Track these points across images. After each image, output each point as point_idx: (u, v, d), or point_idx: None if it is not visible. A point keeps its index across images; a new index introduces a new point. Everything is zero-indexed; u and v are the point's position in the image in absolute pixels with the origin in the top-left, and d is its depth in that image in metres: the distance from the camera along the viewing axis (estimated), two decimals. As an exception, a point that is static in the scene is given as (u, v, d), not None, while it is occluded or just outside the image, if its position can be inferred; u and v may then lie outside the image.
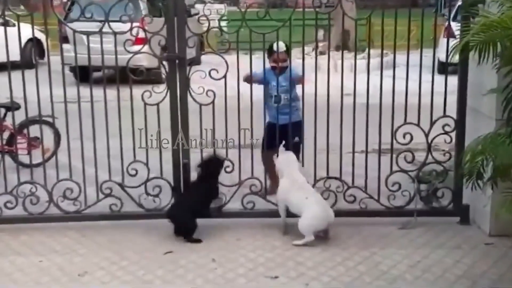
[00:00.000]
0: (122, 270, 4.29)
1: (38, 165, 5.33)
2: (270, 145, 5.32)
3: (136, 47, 4.86)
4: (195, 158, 5.04)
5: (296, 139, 5.20)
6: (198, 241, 4.70)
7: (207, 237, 4.78)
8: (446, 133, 4.96)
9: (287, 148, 5.07)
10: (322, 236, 4.72)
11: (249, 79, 5.19)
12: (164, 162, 5.05)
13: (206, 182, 4.91)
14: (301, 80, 5.20)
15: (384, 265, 4.32)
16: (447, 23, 5.19)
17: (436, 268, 4.27)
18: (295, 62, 5.55)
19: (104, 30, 4.78)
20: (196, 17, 5.19)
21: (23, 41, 5.16)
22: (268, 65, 5.44)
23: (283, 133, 5.16)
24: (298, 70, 5.38)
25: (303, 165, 5.05)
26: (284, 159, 4.95)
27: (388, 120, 4.98)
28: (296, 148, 5.16)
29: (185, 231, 4.73)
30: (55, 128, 6.04)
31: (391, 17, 4.82)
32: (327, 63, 5.02)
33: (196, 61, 5.20)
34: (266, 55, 5.43)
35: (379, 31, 5.07)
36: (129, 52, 4.77)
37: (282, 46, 5.35)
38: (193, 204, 4.81)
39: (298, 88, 5.35)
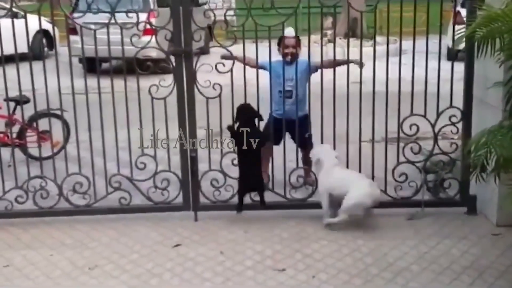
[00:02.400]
0: (132, 264, 4.34)
1: (48, 158, 5.38)
2: (276, 139, 5.26)
3: (145, 38, 4.86)
4: (202, 151, 5.07)
5: (307, 134, 5.24)
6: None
7: (215, 230, 4.82)
8: (452, 124, 4.96)
9: (295, 142, 5.10)
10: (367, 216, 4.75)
11: (228, 57, 5.05)
12: (172, 154, 5.08)
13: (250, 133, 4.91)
14: (318, 66, 5.14)
15: (391, 257, 4.35)
16: (456, 10, 5.14)
17: (443, 259, 4.29)
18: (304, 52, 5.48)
19: (112, 22, 4.79)
20: (204, 7, 5.17)
21: (32, 33, 5.18)
22: (274, 58, 5.27)
23: (290, 128, 5.17)
24: (306, 61, 5.25)
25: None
26: (322, 150, 4.98)
27: (396, 109, 4.97)
28: (305, 143, 5.16)
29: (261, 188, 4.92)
30: (64, 121, 6.07)
31: (399, 4, 4.81)
32: (333, 51, 5.01)
33: (205, 51, 5.18)
34: (277, 48, 5.37)
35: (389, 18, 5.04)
36: (136, 46, 4.80)
37: (291, 31, 5.30)
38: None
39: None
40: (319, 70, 5.12)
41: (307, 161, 5.24)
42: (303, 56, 5.37)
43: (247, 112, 4.97)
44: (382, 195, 4.94)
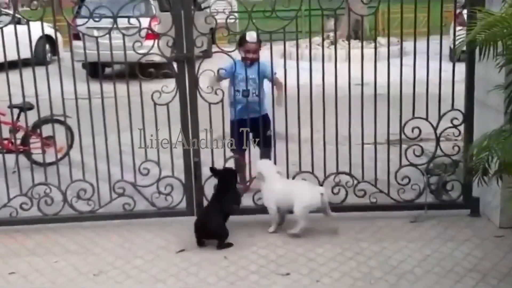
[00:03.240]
0: (136, 269, 4.36)
1: (52, 164, 5.40)
2: (240, 144, 5.36)
3: (147, 43, 4.88)
4: (205, 157, 5.10)
5: (268, 132, 5.37)
6: (230, 245, 4.66)
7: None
8: (454, 126, 4.97)
9: (259, 142, 5.29)
10: (325, 216, 4.76)
11: (217, 80, 5.28)
12: (175, 159, 5.10)
13: (226, 192, 4.88)
14: (273, 79, 5.27)
15: (394, 260, 4.36)
16: (457, 11, 5.15)
17: (446, 261, 4.30)
18: (265, 56, 5.44)
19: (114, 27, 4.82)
20: (206, 11, 5.19)
21: (36, 38, 5.20)
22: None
23: (252, 128, 5.26)
24: (268, 64, 5.33)
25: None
26: (263, 165, 5.00)
27: (397, 110, 4.99)
28: (268, 142, 5.27)
29: (219, 237, 4.65)
30: (67, 127, 6.11)
31: (398, 4, 4.83)
32: (335, 53, 5.02)
33: (207, 54, 5.20)
34: (238, 49, 5.40)
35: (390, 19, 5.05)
36: (137, 53, 4.83)
37: (253, 36, 5.35)
38: (221, 210, 4.76)
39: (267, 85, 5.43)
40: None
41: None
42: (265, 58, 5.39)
43: (226, 177, 4.95)
44: (384, 197, 4.93)
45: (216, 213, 4.73)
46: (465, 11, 4.94)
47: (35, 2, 4.86)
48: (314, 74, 4.93)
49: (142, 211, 5.18)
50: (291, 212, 4.78)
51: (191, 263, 4.41)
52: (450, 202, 5.11)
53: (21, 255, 4.64)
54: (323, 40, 5.49)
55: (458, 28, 5.09)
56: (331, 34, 11.77)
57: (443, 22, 5.30)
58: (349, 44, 5.07)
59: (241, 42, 5.43)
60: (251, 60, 5.41)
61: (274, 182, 4.88)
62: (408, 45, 5.04)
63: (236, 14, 7.46)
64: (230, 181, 4.93)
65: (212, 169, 4.96)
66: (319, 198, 4.66)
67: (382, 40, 5.09)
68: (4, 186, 5.11)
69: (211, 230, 4.66)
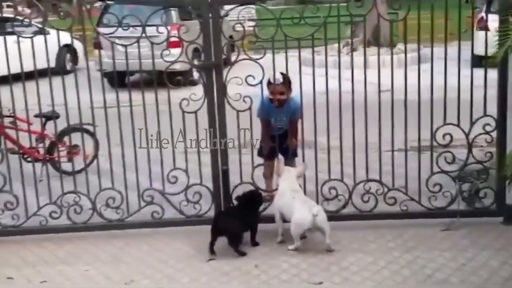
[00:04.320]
0: (167, 278, 4.34)
1: (78, 172, 5.40)
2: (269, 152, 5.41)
3: (172, 51, 4.86)
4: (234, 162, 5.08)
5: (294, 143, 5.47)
6: (243, 254, 4.63)
7: (248, 242, 4.80)
8: (487, 132, 4.90)
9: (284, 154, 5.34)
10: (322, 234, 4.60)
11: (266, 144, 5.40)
12: (203, 167, 5.08)
13: (245, 214, 4.82)
14: (298, 119, 5.25)
15: (428, 269, 4.29)
16: (479, 15, 5.10)
17: (482, 270, 4.22)
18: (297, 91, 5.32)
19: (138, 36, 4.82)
20: (226, 18, 5.17)
21: (57, 48, 5.23)
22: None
23: (281, 141, 5.34)
24: (298, 105, 5.23)
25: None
26: (284, 177, 4.94)
27: (428, 117, 4.93)
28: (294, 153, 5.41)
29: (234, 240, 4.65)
30: (93, 135, 6.12)
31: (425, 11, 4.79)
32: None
33: (228, 62, 5.17)
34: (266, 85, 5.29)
35: (410, 25, 5.01)
36: (165, 61, 4.83)
37: (278, 77, 5.20)
38: (241, 217, 4.74)
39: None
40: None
41: None
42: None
43: (251, 200, 4.92)
44: (415, 205, 4.88)
45: (236, 215, 4.77)
46: (490, 16, 4.88)
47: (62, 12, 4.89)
48: (341, 81, 4.90)
49: (170, 219, 5.16)
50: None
51: (222, 272, 4.38)
52: (483, 210, 5.03)
53: (52, 263, 4.65)
54: (352, 46, 5.47)
55: (481, 32, 5.06)
56: (354, 39, 11.76)
57: (464, 27, 5.26)
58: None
59: (268, 84, 5.31)
60: (278, 102, 5.33)
61: (285, 192, 4.83)
62: (436, 51, 4.98)
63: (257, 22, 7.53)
64: (254, 204, 4.91)
65: (238, 197, 4.93)
66: (309, 219, 4.51)
67: (408, 46, 5.05)
68: (34, 195, 5.11)
69: (226, 227, 4.62)
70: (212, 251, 4.65)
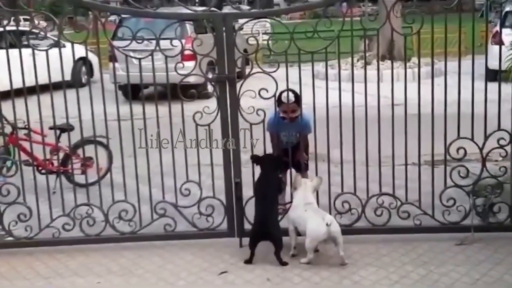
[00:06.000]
0: (179, 291, 4.34)
1: (92, 184, 5.43)
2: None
3: (186, 64, 4.90)
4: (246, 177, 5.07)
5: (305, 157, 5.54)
6: (285, 263, 4.64)
7: (261, 255, 4.78)
8: (501, 146, 4.87)
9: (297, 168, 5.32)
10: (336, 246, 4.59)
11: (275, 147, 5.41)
12: (216, 179, 5.08)
13: (268, 178, 4.96)
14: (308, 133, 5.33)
15: (442, 283, 4.26)
16: (494, 29, 5.09)
17: (496, 285, 4.19)
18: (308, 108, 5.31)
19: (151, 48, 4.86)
20: (241, 32, 5.20)
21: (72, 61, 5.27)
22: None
23: (289, 153, 5.27)
24: (309, 119, 5.29)
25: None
26: (299, 191, 4.93)
27: (441, 131, 4.91)
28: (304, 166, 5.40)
29: (277, 240, 4.66)
30: (107, 148, 6.15)
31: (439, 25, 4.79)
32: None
33: (242, 75, 5.19)
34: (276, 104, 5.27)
35: (424, 39, 5.00)
36: (179, 74, 4.87)
37: (291, 97, 5.20)
38: (276, 210, 4.87)
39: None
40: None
41: None
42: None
43: (270, 162, 5.03)
44: (429, 219, 4.86)
45: (273, 214, 4.80)
46: (504, 30, 4.87)
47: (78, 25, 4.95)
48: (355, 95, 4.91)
49: (183, 232, 5.16)
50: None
51: (234, 285, 4.37)
52: (497, 225, 4.98)
53: (64, 275, 4.65)
54: (365, 60, 5.47)
55: (496, 47, 5.04)
56: (368, 53, 11.78)
57: (479, 41, 5.24)
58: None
59: (279, 102, 5.31)
60: (290, 119, 5.37)
61: (299, 205, 4.83)
62: (451, 65, 4.98)
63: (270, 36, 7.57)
64: (273, 168, 4.98)
65: (253, 156, 5.00)
66: (324, 229, 4.50)
67: (422, 60, 5.06)
68: (47, 207, 5.13)
69: (270, 231, 4.66)
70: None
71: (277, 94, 5.12)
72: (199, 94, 5.03)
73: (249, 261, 4.68)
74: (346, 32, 4.85)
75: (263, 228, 4.70)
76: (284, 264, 4.60)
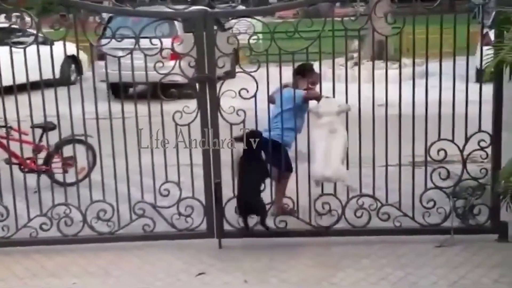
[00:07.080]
0: (156, 293, 4.30)
1: (72, 184, 5.38)
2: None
3: (171, 63, 4.87)
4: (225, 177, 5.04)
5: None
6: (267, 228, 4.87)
7: (239, 257, 4.76)
8: (481, 148, 4.85)
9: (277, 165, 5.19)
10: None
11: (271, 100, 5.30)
12: (195, 180, 5.03)
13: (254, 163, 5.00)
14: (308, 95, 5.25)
15: (420, 286, 4.24)
16: (484, 31, 5.06)
17: (474, 288, 4.17)
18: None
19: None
20: (229, 31, 5.18)
21: (60, 59, 5.23)
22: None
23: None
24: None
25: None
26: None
27: (422, 132, 4.89)
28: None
29: (261, 212, 4.85)
30: (90, 147, 6.09)
31: (423, 25, 4.77)
32: (358, 74, 4.94)
33: (231, 74, 5.14)
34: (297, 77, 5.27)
35: (416, 39, 4.97)
36: (159, 73, 4.83)
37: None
38: (256, 186, 4.96)
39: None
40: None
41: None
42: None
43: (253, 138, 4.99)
44: (409, 221, 4.85)
45: (254, 189, 4.92)
46: (491, 32, 4.85)
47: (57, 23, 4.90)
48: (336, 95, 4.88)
49: (162, 233, 5.11)
50: None
51: (212, 287, 4.34)
52: (477, 227, 4.96)
53: (40, 276, 4.61)
54: (346, 61, 5.43)
55: (485, 48, 5.01)
56: (355, 55, 11.72)
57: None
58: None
59: (305, 73, 5.29)
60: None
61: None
62: (433, 66, 4.94)
63: (259, 35, 7.54)
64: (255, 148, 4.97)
65: (236, 138, 4.98)
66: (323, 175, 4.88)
67: (406, 61, 4.99)
68: (24, 206, 5.08)
69: (253, 207, 4.89)
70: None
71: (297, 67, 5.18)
72: (183, 94, 4.98)
73: (245, 229, 4.89)
74: (340, 32, 4.85)
75: (246, 204, 4.87)
76: (267, 228, 4.83)
